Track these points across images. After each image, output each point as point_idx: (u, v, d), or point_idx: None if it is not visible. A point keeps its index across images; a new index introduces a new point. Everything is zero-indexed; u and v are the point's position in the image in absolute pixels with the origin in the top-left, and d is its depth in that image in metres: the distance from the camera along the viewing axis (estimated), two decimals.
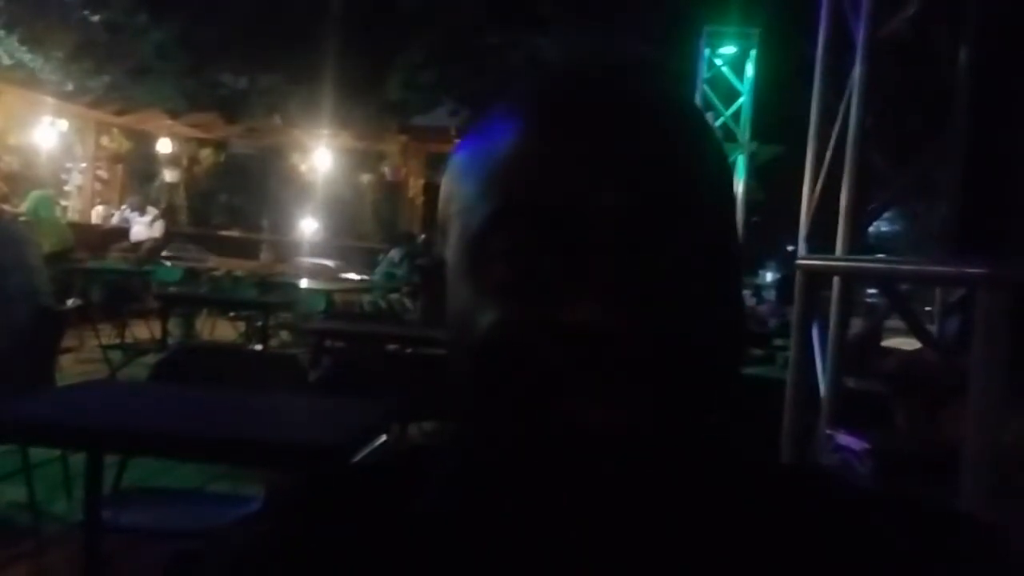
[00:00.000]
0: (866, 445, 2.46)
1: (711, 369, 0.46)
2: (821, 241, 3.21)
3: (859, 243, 2.97)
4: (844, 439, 2.62)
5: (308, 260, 12.71)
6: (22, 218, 9.32)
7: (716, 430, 0.50)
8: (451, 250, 0.50)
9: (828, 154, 3.13)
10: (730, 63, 10.43)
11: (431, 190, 16.25)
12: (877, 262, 3.05)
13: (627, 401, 0.42)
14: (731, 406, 0.49)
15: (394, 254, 9.57)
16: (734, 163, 10.23)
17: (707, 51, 10.37)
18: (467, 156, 0.51)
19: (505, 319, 0.45)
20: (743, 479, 0.53)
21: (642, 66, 0.50)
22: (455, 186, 0.51)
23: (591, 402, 0.42)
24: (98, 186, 15.55)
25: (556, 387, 0.43)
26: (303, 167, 17.04)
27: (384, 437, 2.26)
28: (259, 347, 6.64)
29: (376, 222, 17.09)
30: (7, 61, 13.28)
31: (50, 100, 13.65)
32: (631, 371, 0.42)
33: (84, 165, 15.23)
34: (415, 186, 16.20)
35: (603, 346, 0.42)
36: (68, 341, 4.94)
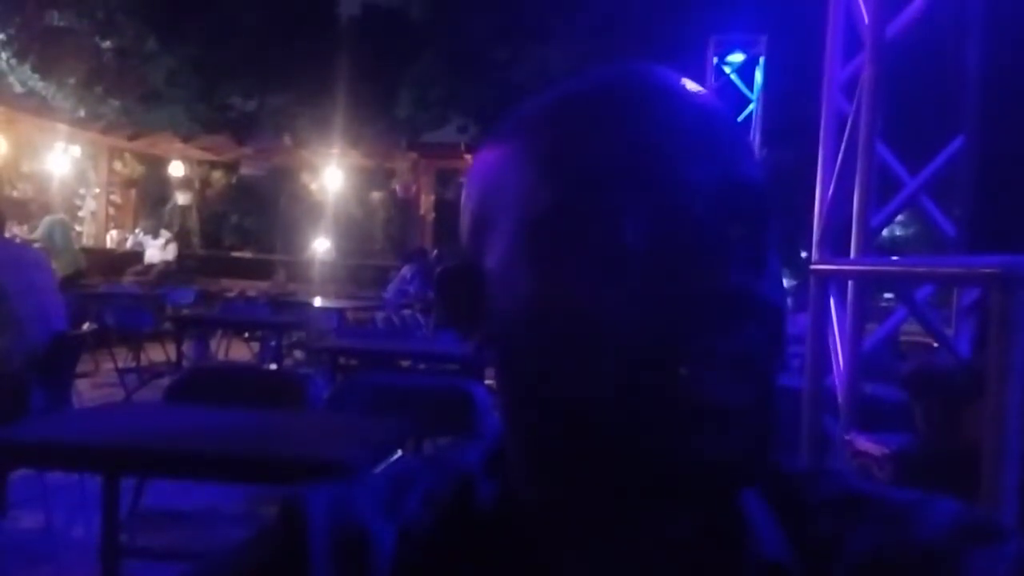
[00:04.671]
0: (885, 450, 2.43)
1: (782, 341, 0.47)
2: (835, 245, 3.19)
3: (873, 246, 2.95)
4: (863, 444, 2.60)
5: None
6: (36, 244, 9.41)
7: None
8: (501, 245, 0.50)
9: (839, 157, 3.11)
10: (739, 71, 10.42)
11: (442, 206, 16.30)
12: (890, 264, 3.03)
13: (750, 375, 0.44)
14: None
15: (406, 271, 9.57)
16: None
17: (715, 59, 10.37)
18: (509, 154, 0.51)
19: (611, 294, 0.45)
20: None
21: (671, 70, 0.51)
22: (498, 183, 0.51)
23: (709, 374, 0.43)
24: (112, 211, 15.68)
25: (668, 357, 0.43)
26: (314, 186, 17.14)
27: (399, 453, 2.25)
28: (273, 367, 6.65)
29: (388, 240, 17.15)
30: (19, 89, 13.44)
31: (63, 127, 13.78)
32: (753, 344, 0.44)
33: (97, 190, 15.36)
34: (426, 203, 16.25)
35: (717, 312, 0.43)
36: (84, 365, 4.96)
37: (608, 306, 0.44)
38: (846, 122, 3.07)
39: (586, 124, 0.48)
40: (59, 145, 14.03)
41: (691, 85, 0.50)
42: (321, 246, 16.38)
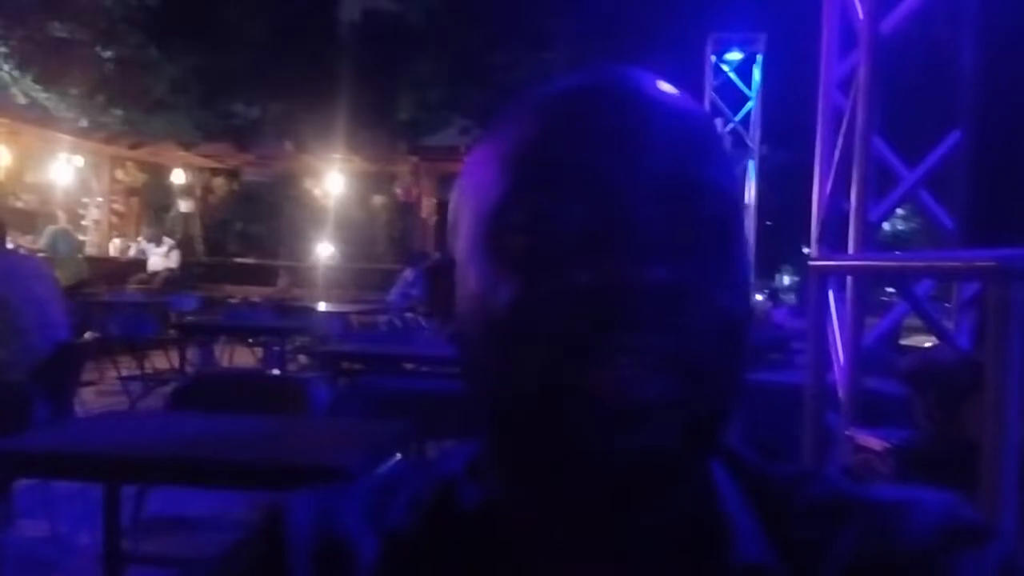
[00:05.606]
0: (886, 444, 2.43)
1: (738, 343, 0.46)
2: (834, 241, 3.19)
3: (872, 241, 2.95)
4: (864, 439, 2.60)
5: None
6: (40, 253, 9.44)
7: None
8: (463, 239, 0.51)
9: (836, 154, 3.11)
10: (737, 69, 10.42)
11: (444, 209, 16.30)
12: (888, 259, 3.03)
13: (663, 368, 0.43)
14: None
15: (409, 274, 9.58)
16: (745, 168, 10.21)
17: (713, 58, 10.37)
18: (479, 152, 0.53)
19: (537, 286, 0.45)
20: (742, 479, 0.54)
21: (648, 73, 0.51)
22: (467, 180, 0.53)
23: (626, 369, 0.43)
24: (115, 219, 15.72)
25: (586, 352, 0.43)
26: (316, 192, 17.15)
27: (399, 456, 2.26)
28: (276, 372, 6.66)
29: (390, 243, 17.17)
30: (22, 100, 13.48)
31: (65, 137, 13.82)
32: (667, 333, 0.43)
33: (100, 199, 15.40)
34: (428, 206, 16.26)
35: (639, 307, 0.43)
36: (88, 374, 4.97)
37: (537, 299, 0.45)
38: (843, 118, 3.07)
39: (541, 123, 0.49)
40: (62, 155, 14.07)
41: (663, 87, 0.50)
42: (324, 251, 16.40)
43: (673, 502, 0.48)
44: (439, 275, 0.54)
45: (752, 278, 0.50)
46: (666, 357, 0.43)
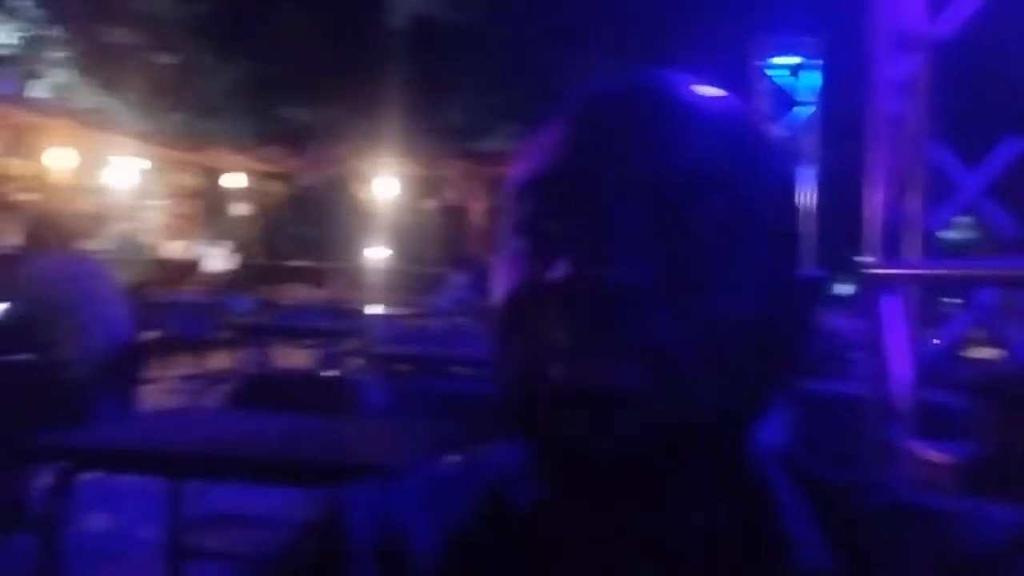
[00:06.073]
0: (949, 458, 2.38)
1: (736, 345, 0.46)
2: (894, 248, 3.13)
3: (930, 249, 2.88)
4: (926, 452, 2.54)
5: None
6: (104, 255, 9.67)
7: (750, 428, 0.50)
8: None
9: (893, 158, 3.05)
10: (793, 73, 10.28)
11: (494, 213, 16.33)
12: (948, 267, 2.96)
13: (639, 360, 0.44)
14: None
15: (458, 278, 9.62)
16: (800, 173, 10.07)
17: (769, 62, 10.25)
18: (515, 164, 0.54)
19: (522, 281, 0.48)
20: (780, 484, 0.53)
21: (677, 77, 0.51)
22: (504, 192, 0.55)
23: (603, 361, 0.44)
24: (175, 222, 16.06)
25: (569, 345, 0.45)
26: (368, 195, 17.33)
27: (452, 457, 2.27)
28: (330, 373, 6.74)
29: (440, 247, 17.26)
30: (84, 105, 13.85)
31: (127, 141, 14.16)
32: (649, 331, 0.44)
33: (161, 202, 15.75)
34: (478, 210, 16.32)
35: (619, 306, 0.44)
36: (147, 372, 5.09)
37: (517, 295, 0.47)
38: (897, 122, 3.01)
39: (555, 129, 0.50)
40: (124, 159, 14.42)
41: (688, 89, 0.50)
42: (376, 254, 16.57)
43: (708, 504, 0.49)
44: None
45: (782, 282, 0.49)
46: (631, 353, 0.44)
